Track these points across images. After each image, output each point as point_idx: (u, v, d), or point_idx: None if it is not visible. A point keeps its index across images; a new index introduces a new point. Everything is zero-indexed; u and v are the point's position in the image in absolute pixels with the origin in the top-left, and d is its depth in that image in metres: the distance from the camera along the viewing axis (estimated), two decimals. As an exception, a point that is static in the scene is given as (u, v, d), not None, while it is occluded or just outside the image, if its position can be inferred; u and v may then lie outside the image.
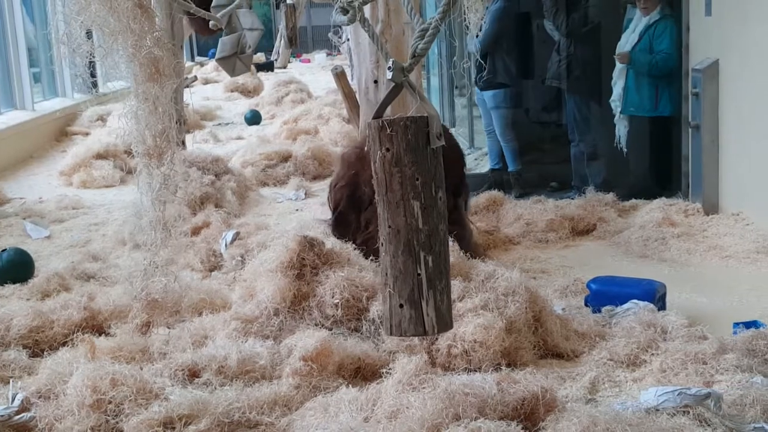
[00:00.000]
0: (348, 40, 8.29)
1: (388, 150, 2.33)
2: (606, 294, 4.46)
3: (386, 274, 2.38)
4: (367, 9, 5.43)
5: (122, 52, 4.01)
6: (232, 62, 6.37)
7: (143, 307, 4.23)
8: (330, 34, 10.24)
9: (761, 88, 5.49)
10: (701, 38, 6.26)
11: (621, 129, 6.99)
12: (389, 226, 2.37)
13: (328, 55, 22.90)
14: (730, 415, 2.92)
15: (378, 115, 2.35)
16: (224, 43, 6.04)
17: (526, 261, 5.61)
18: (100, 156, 9.06)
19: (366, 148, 4.97)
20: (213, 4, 5.71)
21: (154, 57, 4.01)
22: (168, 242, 4.02)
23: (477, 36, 7.50)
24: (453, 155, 4.89)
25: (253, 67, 16.20)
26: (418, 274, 2.38)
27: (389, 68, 2.27)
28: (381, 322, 3.57)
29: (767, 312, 4.08)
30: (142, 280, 4.23)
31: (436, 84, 13.07)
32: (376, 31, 5.71)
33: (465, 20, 3.39)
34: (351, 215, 5.06)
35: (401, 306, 2.40)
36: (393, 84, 2.33)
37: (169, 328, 4.11)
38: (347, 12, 2.24)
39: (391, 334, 2.47)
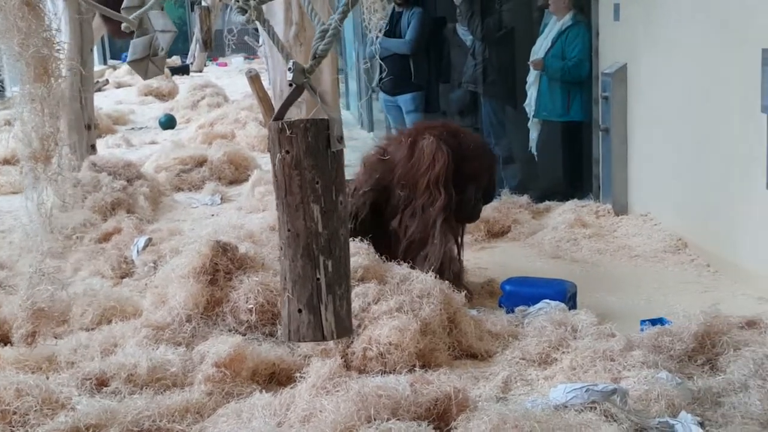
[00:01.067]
0: (264, 43, 8.22)
1: (287, 152, 2.31)
2: (519, 294, 4.53)
3: (285, 278, 2.36)
4: (281, 11, 5.40)
5: (9, 52, 3.88)
6: (145, 65, 6.24)
7: (28, 317, 4.10)
8: (246, 37, 10.16)
9: (666, 92, 5.65)
10: (610, 43, 6.42)
11: (533, 133, 7.12)
12: (288, 230, 2.34)
13: (245, 58, 22.71)
14: (635, 410, 2.99)
15: (278, 117, 2.33)
16: (136, 46, 5.90)
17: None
18: (6, 161, 8.79)
19: (385, 152, 4.92)
20: (124, 5, 5.58)
21: (42, 57, 3.89)
22: (69, 249, 3.90)
23: (377, 38, 7.56)
24: (486, 162, 4.83)
25: (167, 71, 15.94)
26: (318, 279, 2.36)
27: (289, 69, 2.25)
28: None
29: (673, 309, 4.18)
30: (27, 289, 4.10)
31: (354, 87, 13.11)
32: (290, 34, 5.70)
33: (366, 22, 3.38)
34: (374, 221, 4.85)
35: (300, 311, 2.38)
36: (294, 86, 2.31)
37: (56, 338, 4.01)
38: (245, 12, 2.21)
39: (289, 339, 2.45)
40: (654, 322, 4.03)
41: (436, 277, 4.12)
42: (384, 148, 4.88)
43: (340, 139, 2.39)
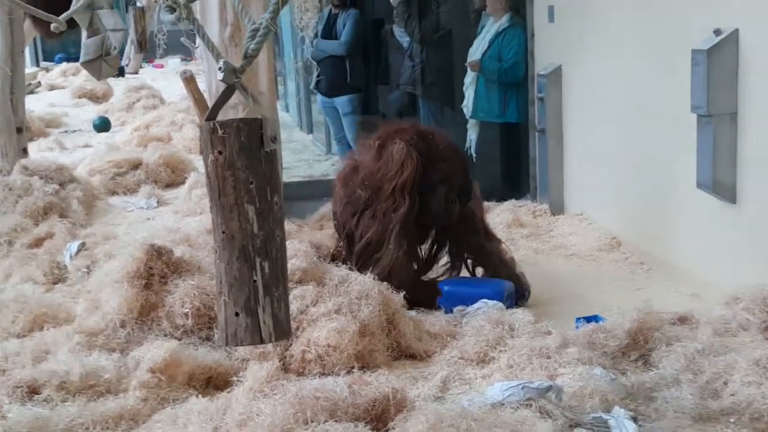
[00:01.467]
0: (200, 44, 8.12)
1: (220, 153, 2.28)
2: (458, 294, 4.55)
3: (221, 281, 2.34)
4: (215, 12, 5.35)
5: None
6: (98, 65, 6.11)
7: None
8: (182, 38, 10.01)
9: (600, 93, 5.74)
10: (545, 44, 6.50)
11: (472, 134, 7.17)
12: (223, 232, 2.32)
13: (182, 60, 22.43)
14: (570, 406, 3.02)
15: (210, 117, 2.31)
16: (88, 46, 5.79)
17: (382, 265, 5.65)
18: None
19: (352, 160, 4.83)
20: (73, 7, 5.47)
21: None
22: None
23: (312, 42, 7.58)
24: (458, 164, 4.73)
25: (109, 69, 15.63)
26: (254, 281, 2.34)
27: (220, 69, 2.24)
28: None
29: (607, 306, 4.25)
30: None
31: (292, 88, 13.04)
32: (225, 34, 5.64)
33: (298, 21, 3.37)
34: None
35: (237, 314, 2.35)
36: (225, 86, 2.29)
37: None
38: (174, 10, 2.18)
39: (226, 343, 2.42)
40: (589, 319, 4.09)
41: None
42: (354, 158, 4.87)
43: (274, 139, 2.38)
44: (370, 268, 4.37)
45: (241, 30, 5.27)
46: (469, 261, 4.89)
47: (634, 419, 2.95)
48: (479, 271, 4.90)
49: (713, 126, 4.15)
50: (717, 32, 4.12)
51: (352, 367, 3.64)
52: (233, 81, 2.39)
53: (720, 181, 4.24)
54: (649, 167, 5.19)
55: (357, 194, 4.71)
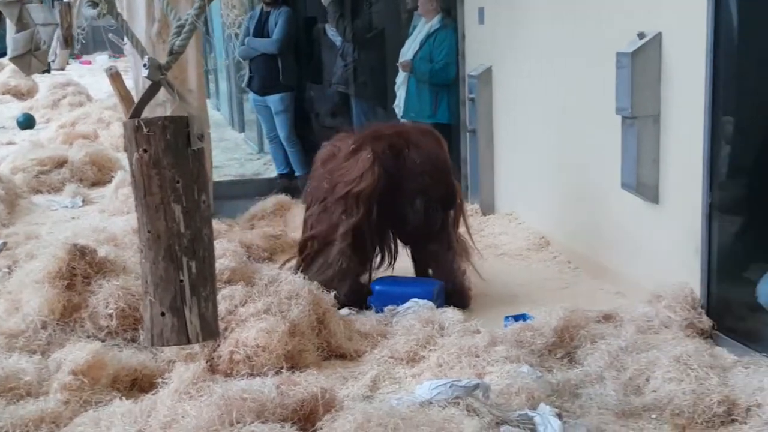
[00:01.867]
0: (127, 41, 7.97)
1: (145, 151, 2.24)
2: (388, 294, 4.56)
3: (146, 281, 2.29)
4: (142, 8, 5.27)
5: None
6: (28, 60, 5.95)
7: None
8: (110, 35, 9.83)
9: (529, 94, 5.81)
10: (476, 45, 6.55)
11: (404, 134, 7.17)
12: (149, 231, 2.27)
13: (111, 56, 22.01)
14: (497, 404, 3.05)
15: (135, 114, 2.26)
16: (17, 41, 5.64)
17: (313, 264, 5.64)
18: None
19: (333, 146, 4.73)
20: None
21: None
22: None
23: (244, 40, 7.52)
24: (437, 175, 4.65)
25: (39, 65, 15.23)
26: (181, 281, 2.31)
27: (145, 66, 2.19)
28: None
29: (536, 305, 4.31)
30: None
31: (224, 87, 12.91)
32: (152, 31, 5.56)
33: (224, 17, 3.34)
34: None
35: (163, 314, 2.31)
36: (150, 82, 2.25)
37: None
38: (96, 5, 2.14)
39: (152, 344, 2.38)
40: (517, 318, 4.14)
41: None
42: (336, 145, 4.84)
43: (201, 137, 2.34)
44: (311, 267, 4.39)
45: (169, 27, 5.19)
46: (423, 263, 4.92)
47: (559, 416, 2.99)
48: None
49: (637, 128, 4.24)
50: (641, 35, 4.21)
51: (281, 368, 3.61)
52: (158, 78, 2.35)
53: (643, 182, 4.32)
54: (576, 168, 5.27)
55: (322, 184, 4.71)
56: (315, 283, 4.14)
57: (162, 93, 2.49)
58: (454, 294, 4.63)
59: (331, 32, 7.63)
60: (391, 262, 4.92)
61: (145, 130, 2.25)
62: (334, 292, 4.21)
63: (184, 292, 2.31)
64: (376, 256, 4.85)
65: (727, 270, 3.98)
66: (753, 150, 4.04)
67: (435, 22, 6.80)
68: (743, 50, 3.86)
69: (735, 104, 3.92)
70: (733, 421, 3.15)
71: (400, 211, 4.64)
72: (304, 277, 4.17)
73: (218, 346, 3.67)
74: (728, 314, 3.96)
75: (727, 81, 3.81)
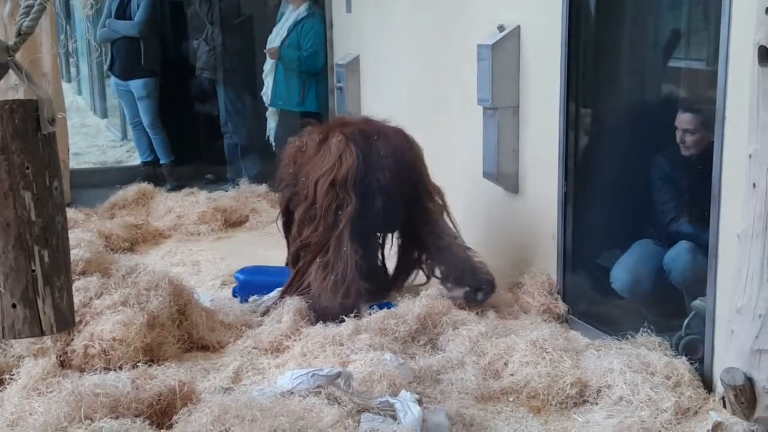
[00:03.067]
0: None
1: (-8, 137, 2.14)
2: (253, 284, 4.52)
3: (-5, 271, 2.20)
4: (-7, -14, 5.00)
5: None
6: None
7: None
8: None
9: (396, 83, 5.85)
10: (344, 34, 6.55)
11: (271, 122, 7.12)
12: (-3, 220, 2.18)
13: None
14: (359, 392, 3.06)
15: (-22, 98, 2.14)
16: None
17: (177, 254, 5.53)
18: None
19: (300, 140, 4.33)
20: None
21: None
22: None
23: (101, 22, 7.28)
24: (403, 169, 4.27)
25: None
26: (33, 271, 2.25)
27: (-7, 47, 2.09)
28: None
29: (401, 292, 4.35)
30: None
31: (85, 71, 12.46)
32: (4, 11, 5.29)
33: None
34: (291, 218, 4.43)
35: (14, 306, 2.25)
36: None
37: None
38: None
39: (3, 337, 2.29)
40: (381, 306, 4.16)
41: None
42: (302, 139, 4.47)
43: (52, 121, 2.28)
44: (317, 272, 4.09)
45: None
46: (428, 262, 4.47)
47: (420, 401, 3.03)
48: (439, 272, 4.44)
49: (497, 118, 4.33)
50: (501, 28, 4.30)
51: (139, 361, 3.51)
52: (6, 60, 2.26)
53: (504, 171, 4.43)
54: (441, 157, 5.33)
55: (296, 178, 4.39)
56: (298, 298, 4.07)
57: (14, 77, 2.40)
58: (477, 279, 4.21)
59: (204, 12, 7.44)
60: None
61: (-9, 115, 2.16)
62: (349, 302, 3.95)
63: (37, 283, 2.26)
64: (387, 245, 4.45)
65: (581, 257, 4.13)
66: (606, 140, 4.20)
67: (302, 9, 6.75)
68: (597, 43, 4.01)
69: (590, 96, 4.07)
70: (584, 402, 3.27)
71: (376, 201, 4.23)
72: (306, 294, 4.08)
73: (72, 340, 3.54)
74: (582, 299, 4.12)
75: (582, 73, 3.95)
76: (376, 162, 4.21)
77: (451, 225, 4.42)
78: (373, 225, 4.33)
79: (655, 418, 3.07)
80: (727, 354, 2.78)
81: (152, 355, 3.63)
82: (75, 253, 3.84)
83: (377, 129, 4.35)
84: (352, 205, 4.11)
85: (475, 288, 4.19)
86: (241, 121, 7.45)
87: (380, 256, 4.60)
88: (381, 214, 4.23)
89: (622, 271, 3.93)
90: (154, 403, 2.90)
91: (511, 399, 3.33)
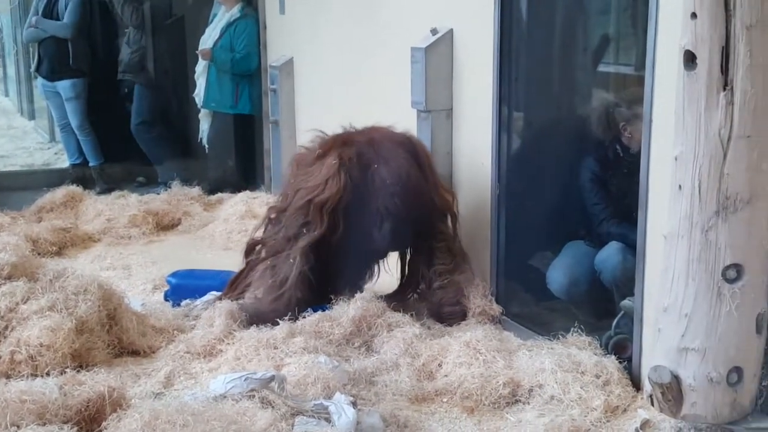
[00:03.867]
0: None
1: None
2: (186, 287, 4.47)
3: None
4: None
5: None
6: None
7: None
8: None
9: (329, 85, 5.85)
10: (277, 36, 6.52)
11: (204, 124, 7.05)
12: None
13: None
14: (292, 395, 3.05)
15: None
16: None
17: (107, 258, 5.43)
18: None
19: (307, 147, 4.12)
20: None
21: None
22: None
23: (28, 21, 7.14)
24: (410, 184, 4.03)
25: None
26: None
27: None
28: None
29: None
30: None
31: (12, 71, 12.17)
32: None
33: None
34: None
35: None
36: None
37: None
38: None
39: None
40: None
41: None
42: (307, 148, 4.34)
43: None
44: (263, 272, 4.08)
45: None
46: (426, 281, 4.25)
47: (354, 404, 3.03)
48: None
49: (431, 121, 4.36)
50: (434, 31, 4.33)
51: (67, 367, 3.44)
52: None
53: (440, 174, 4.45)
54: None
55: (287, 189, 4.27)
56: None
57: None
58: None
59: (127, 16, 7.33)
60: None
61: None
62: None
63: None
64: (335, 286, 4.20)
65: (514, 258, 4.18)
66: (539, 143, 4.26)
67: (235, 11, 6.71)
68: (529, 47, 4.06)
69: (522, 99, 4.12)
70: (517, 401, 3.31)
71: (367, 229, 4.07)
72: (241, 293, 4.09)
73: (-4, 346, 3.45)
74: (515, 300, 4.17)
75: (515, 77, 4.00)
76: (368, 192, 4.06)
77: (459, 244, 4.23)
78: (356, 250, 4.14)
79: (585, 416, 3.12)
80: (655, 352, 2.85)
81: (81, 361, 3.57)
82: (1, 258, 3.75)
83: (379, 154, 4.10)
84: (319, 230, 4.03)
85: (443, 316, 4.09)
86: (171, 122, 7.37)
87: (369, 275, 4.38)
88: (366, 242, 4.09)
89: (558, 273, 3.99)
90: (83, 409, 2.84)
91: (445, 400, 3.35)
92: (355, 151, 4.10)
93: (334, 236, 4.06)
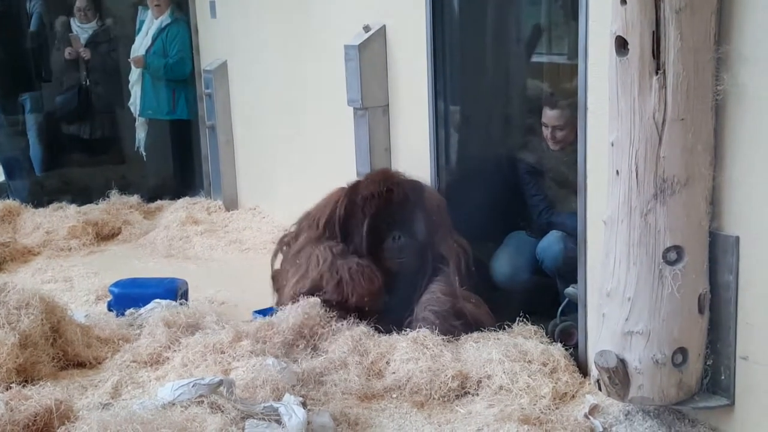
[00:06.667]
0: None
1: None
2: (128, 296, 4.41)
3: None
4: None
5: None
6: None
7: None
8: None
9: (264, 87, 5.83)
10: (210, 40, 6.47)
11: (141, 132, 6.96)
12: None
13: None
14: (242, 398, 3.03)
15: None
16: None
17: (47, 271, 5.34)
18: None
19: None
20: None
21: None
22: None
23: None
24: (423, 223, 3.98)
25: None
26: None
27: None
28: None
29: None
30: None
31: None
32: None
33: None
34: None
35: None
36: None
37: None
38: None
39: None
40: (264, 312, 4.13)
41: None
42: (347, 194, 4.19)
43: None
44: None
45: None
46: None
47: (303, 404, 3.02)
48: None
49: (368, 118, 4.38)
50: (366, 28, 4.34)
51: (12, 382, 3.37)
52: None
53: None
54: (314, 158, 5.35)
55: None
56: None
57: None
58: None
59: (77, 27, 7.15)
60: None
61: None
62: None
63: None
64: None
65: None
66: (476, 136, 4.30)
67: (166, 16, 6.63)
68: (462, 41, 4.10)
69: (458, 93, 4.16)
70: (466, 393, 3.33)
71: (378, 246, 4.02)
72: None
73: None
74: (460, 293, 4.18)
75: (449, 71, 4.03)
76: (386, 252, 4.03)
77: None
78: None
79: (534, 404, 3.15)
80: (600, 337, 2.89)
81: (26, 375, 3.51)
82: (-65, 274, 3.67)
83: (393, 219, 4.02)
84: (316, 233, 4.14)
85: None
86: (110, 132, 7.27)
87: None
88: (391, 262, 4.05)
89: (502, 264, 4.03)
90: (30, 423, 2.79)
91: (394, 396, 3.36)
92: (377, 188, 4.00)
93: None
